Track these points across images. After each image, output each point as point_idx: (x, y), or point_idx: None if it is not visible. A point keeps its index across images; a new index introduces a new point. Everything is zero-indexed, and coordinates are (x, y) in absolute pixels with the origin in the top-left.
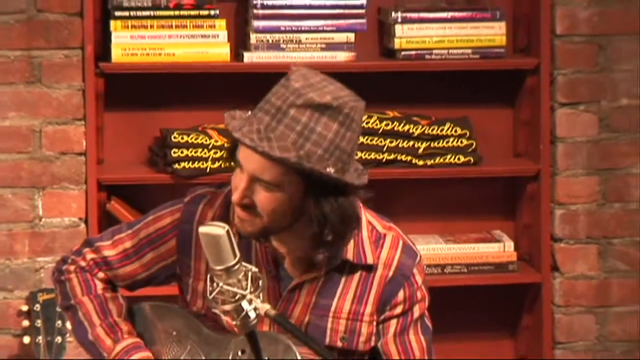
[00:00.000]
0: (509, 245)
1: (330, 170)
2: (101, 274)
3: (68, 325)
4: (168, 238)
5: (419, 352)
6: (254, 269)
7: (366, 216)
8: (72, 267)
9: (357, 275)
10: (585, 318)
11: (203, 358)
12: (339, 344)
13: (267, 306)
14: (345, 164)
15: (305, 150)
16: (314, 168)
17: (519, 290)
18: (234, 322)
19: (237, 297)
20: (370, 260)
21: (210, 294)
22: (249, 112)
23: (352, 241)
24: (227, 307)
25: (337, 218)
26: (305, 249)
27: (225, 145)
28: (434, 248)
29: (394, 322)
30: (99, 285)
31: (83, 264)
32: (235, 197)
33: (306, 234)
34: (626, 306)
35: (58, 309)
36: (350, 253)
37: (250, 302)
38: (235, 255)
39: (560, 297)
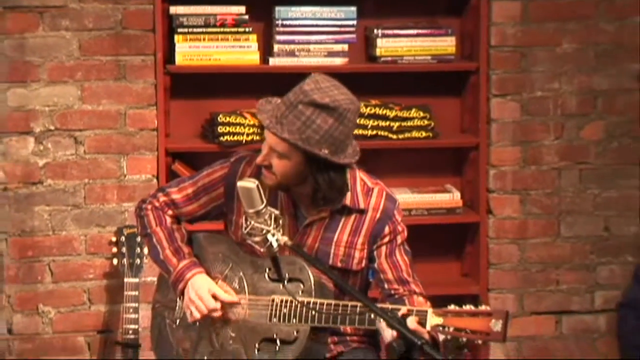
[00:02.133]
0: (457, 195)
1: (325, 151)
2: (170, 212)
3: (145, 251)
4: (219, 187)
5: (405, 267)
6: (277, 212)
7: (359, 175)
8: (149, 207)
9: (352, 217)
10: (511, 247)
11: (241, 273)
12: (339, 264)
13: (285, 238)
14: (338, 148)
15: (306, 135)
16: (310, 149)
17: (464, 227)
18: (262, 249)
19: (264, 232)
20: (362, 205)
21: (245, 229)
22: (279, 100)
23: (349, 192)
24: (257, 238)
25: (327, 187)
26: (310, 201)
27: (257, 124)
28: (404, 197)
29: (383, 248)
30: (168, 220)
31: (157, 204)
32: (258, 159)
33: (310, 192)
34: (539, 238)
35: (137, 239)
36: (348, 200)
37: (273, 235)
38: (263, 202)
39: (493, 232)
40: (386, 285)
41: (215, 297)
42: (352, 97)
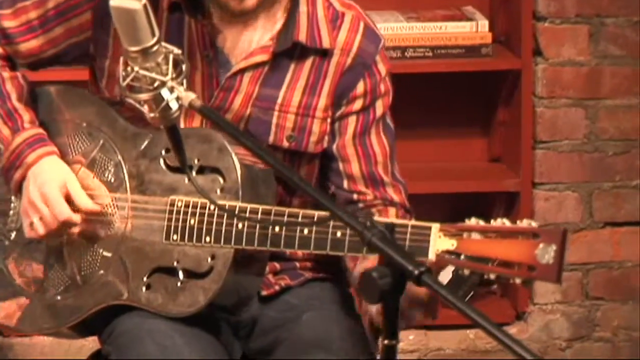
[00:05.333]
0: (483, 24)
1: None
2: None
3: None
4: (82, 10)
5: (381, 156)
6: (177, 51)
7: None
8: None
9: (309, 62)
10: (573, 112)
11: (118, 157)
12: (285, 143)
13: (191, 95)
14: None
15: None
16: None
17: (494, 78)
18: (152, 114)
19: (155, 84)
20: (326, 43)
21: (124, 79)
22: None
23: (305, 19)
24: (144, 95)
25: None
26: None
27: None
28: (393, 27)
29: (352, 119)
30: None
31: None
32: None
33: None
34: (620, 98)
35: None
36: (302, 34)
37: (171, 90)
38: (153, 35)
39: (543, 86)
40: (346, 184)
41: (71, 201)
42: None
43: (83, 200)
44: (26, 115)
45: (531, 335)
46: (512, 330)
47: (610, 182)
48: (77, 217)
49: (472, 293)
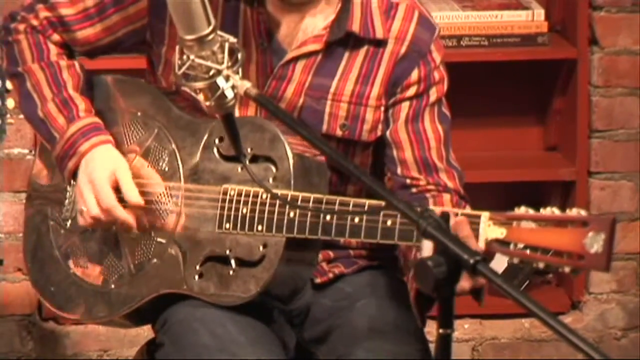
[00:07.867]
0: (539, 13)
1: None
2: (56, 37)
3: (9, 104)
4: None
5: (435, 142)
6: (232, 40)
7: None
8: (21, 27)
9: (363, 52)
10: (629, 101)
11: (172, 145)
12: (339, 132)
13: (247, 84)
14: None
15: None
16: None
17: (550, 67)
18: (208, 103)
19: (211, 73)
20: (379, 33)
21: (179, 68)
22: None
23: (359, 10)
24: (200, 84)
25: None
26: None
27: None
28: (449, 16)
29: (405, 105)
30: (53, 50)
31: (35, 23)
32: None
33: None
34: None
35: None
36: (356, 24)
37: (227, 78)
38: (209, 23)
39: (599, 76)
40: (399, 170)
41: (119, 190)
42: None
43: (130, 192)
44: (82, 104)
45: (586, 325)
46: (567, 319)
47: None
48: (119, 208)
49: (527, 282)
